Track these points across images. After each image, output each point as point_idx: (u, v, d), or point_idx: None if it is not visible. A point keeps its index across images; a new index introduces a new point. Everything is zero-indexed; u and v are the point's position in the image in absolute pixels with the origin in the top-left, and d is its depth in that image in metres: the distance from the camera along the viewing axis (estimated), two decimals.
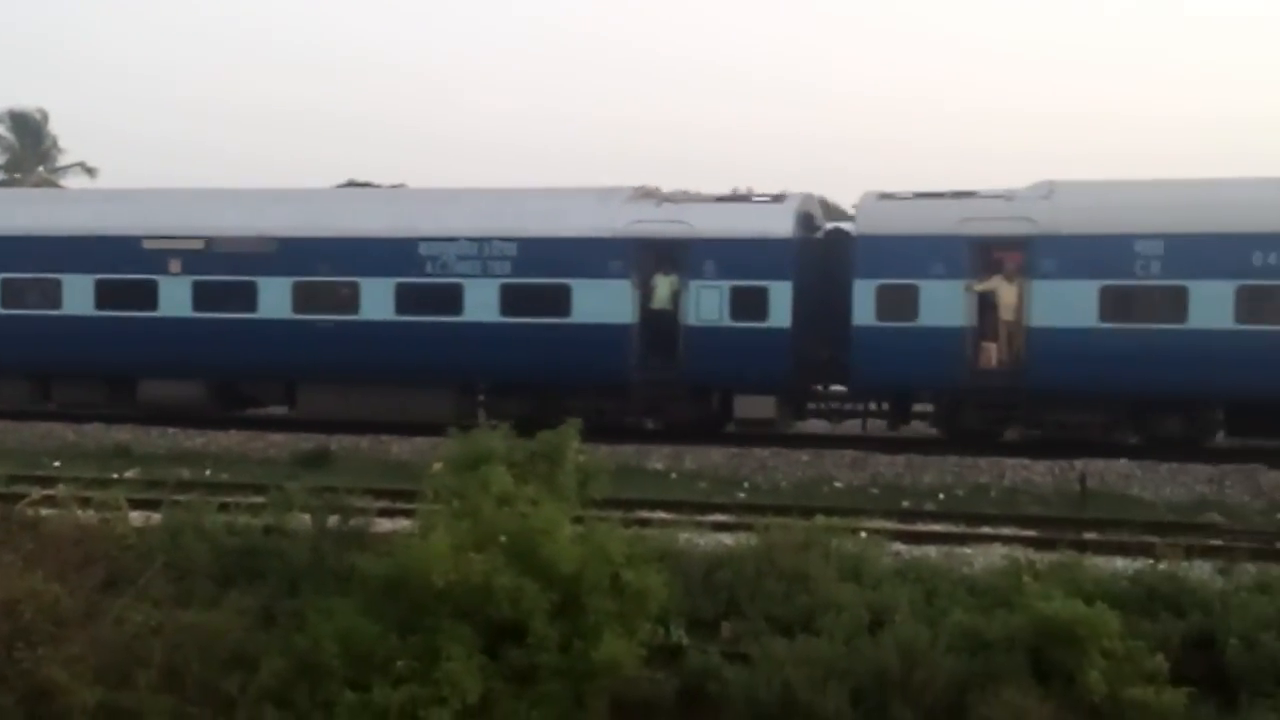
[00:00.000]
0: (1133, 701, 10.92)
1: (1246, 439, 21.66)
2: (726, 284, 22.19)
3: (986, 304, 21.72)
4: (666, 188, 24.41)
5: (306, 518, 14.63)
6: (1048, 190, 21.90)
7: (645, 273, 22.76)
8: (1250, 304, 20.45)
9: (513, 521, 11.97)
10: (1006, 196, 22.02)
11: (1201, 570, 13.54)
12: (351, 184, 48.44)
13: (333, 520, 14.39)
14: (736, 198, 24.04)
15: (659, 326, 22.66)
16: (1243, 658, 11.52)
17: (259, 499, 15.92)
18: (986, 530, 16.56)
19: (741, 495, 19.44)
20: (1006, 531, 16.41)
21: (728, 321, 22.17)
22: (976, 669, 11.46)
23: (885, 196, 22.80)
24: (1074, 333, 20.99)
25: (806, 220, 23.27)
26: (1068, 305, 21.05)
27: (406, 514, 14.76)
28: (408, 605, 11.78)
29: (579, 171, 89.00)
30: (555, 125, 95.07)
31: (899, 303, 21.62)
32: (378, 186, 46.41)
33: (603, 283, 22.59)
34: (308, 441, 22.67)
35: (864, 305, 21.72)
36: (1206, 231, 20.67)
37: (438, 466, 13.72)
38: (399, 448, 22.29)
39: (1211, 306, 20.50)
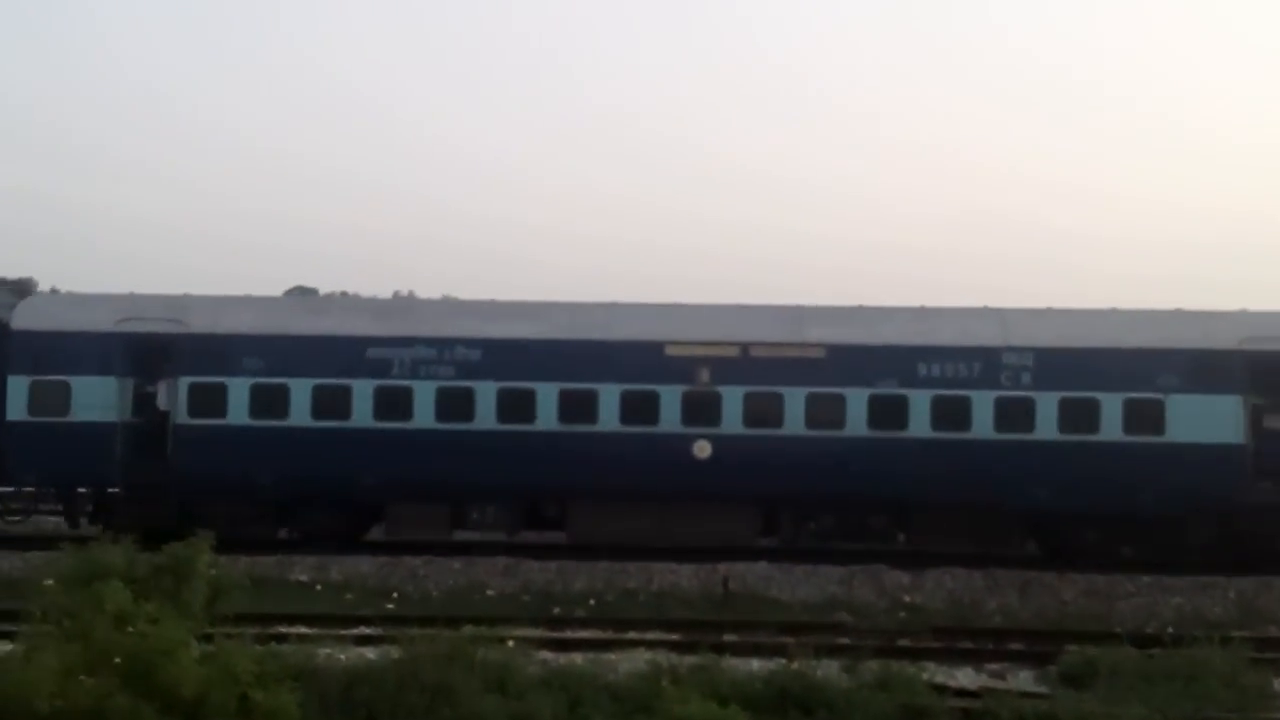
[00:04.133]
0: None
1: None
2: None
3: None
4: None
5: None
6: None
7: None
8: None
9: (130, 642, 11.07)
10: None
11: (829, 668, 14.15)
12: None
13: None
14: None
15: None
16: None
17: None
18: (633, 635, 16.82)
19: (390, 606, 18.92)
20: (652, 636, 16.71)
21: None
22: None
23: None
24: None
25: None
26: None
27: (11, 636, 13.39)
28: None
29: None
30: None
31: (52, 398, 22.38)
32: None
33: None
34: None
35: (18, 400, 22.46)
36: None
37: (48, 583, 12.56)
38: (8, 563, 20.39)
39: None
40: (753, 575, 20.70)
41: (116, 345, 22.62)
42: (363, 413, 22.43)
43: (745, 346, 22.64)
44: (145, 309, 23.34)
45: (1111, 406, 22.16)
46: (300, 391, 22.49)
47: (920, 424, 22.24)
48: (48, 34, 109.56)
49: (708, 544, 22.02)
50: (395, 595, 19.85)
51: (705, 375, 22.45)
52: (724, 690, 12.77)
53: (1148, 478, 21.90)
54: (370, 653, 14.56)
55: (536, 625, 17.11)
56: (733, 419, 22.34)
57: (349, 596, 19.60)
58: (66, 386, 22.46)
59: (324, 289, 39.77)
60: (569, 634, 16.98)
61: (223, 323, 23.07)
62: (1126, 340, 22.56)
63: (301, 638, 15.18)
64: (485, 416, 22.32)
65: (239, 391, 22.50)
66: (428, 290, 43.49)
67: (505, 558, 21.34)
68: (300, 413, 22.46)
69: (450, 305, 23.88)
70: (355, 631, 16.17)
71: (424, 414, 22.37)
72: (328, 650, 14.34)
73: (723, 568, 20.63)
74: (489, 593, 20.23)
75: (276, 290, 36.11)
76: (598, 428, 22.28)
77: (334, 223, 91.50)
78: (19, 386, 22.49)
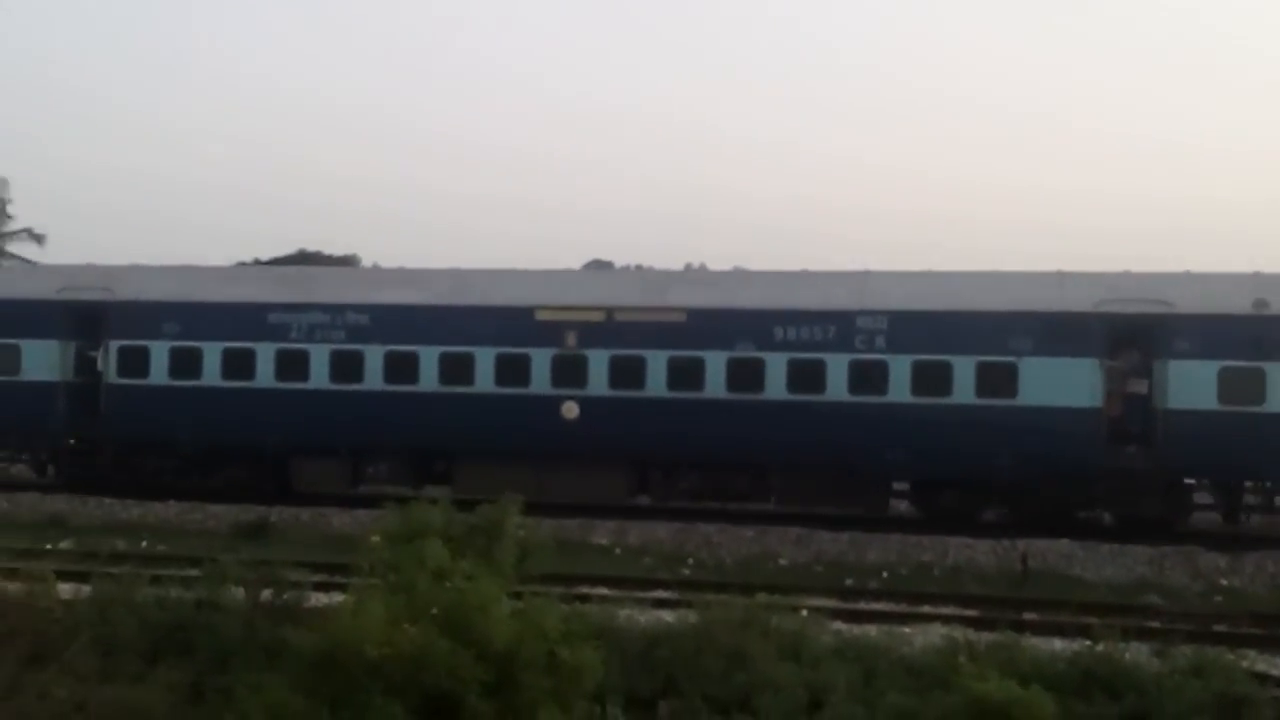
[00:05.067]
0: None
1: None
2: None
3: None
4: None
5: (240, 591, 14.37)
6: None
7: None
8: None
9: (448, 596, 11.79)
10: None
11: (1138, 652, 13.56)
12: (303, 253, 48.54)
13: (266, 594, 14.14)
14: None
15: None
16: None
17: (193, 572, 15.64)
18: (927, 609, 16.66)
19: (685, 571, 19.36)
20: (947, 611, 16.51)
21: None
22: None
23: None
24: None
25: None
26: None
27: (343, 588, 14.56)
28: (339, 680, 11.52)
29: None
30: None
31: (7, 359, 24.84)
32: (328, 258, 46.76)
33: None
34: (247, 513, 22.39)
35: None
36: None
37: (375, 539, 13.52)
38: (339, 520, 22.07)
39: None
40: (1054, 553, 20.04)
41: (58, 312, 25.00)
42: (265, 374, 24.10)
43: (610, 311, 23.15)
44: (83, 279, 25.67)
45: (964, 369, 21.66)
46: (211, 354, 24.34)
47: (776, 387, 22.36)
48: (355, 26, 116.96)
49: (584, 501, 22.27)
50: (690, 561, 20.32)
51: (572, 339, 22.98)
52: (1024, 669, 12.43)
53: (1001, 441, 21.38)
54: (668, 616, 14.96)
55: (829, 595, 17.17)
56: (598, 381, 22.92)
57: (647, 560, 20.20)
58: (18, 349, 24.97)
59: (619, 262, 40.79)
60: (862, 605, 16.95)
61: (146, 291, 25.09)
62: (980, 303, 22.03)
63: (603, 599, 15.74)
64: (374, 378, 23.59)
65: (160, 354, 24.51)
66: (716, 262, 43.93)
67: (798, 528, 21.46)
68: (212, 373, 24.33)
69: (343, 273, 25.31)
70: (653, 595, 16.65)
71: (319, 375, 23.87)
72: (627, 611, 14.86)
73: (1022, 544, 20.07)
74: (781, 562, 20.41)
75: (576, 262, 37.27)
76: (475, 389, 23.21)
77: (629, 205, 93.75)
78: None
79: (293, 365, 24.02)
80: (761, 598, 14.83)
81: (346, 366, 23.82)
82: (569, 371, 23.06)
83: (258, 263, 40.33)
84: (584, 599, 15.35)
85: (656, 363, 22.78)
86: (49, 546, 18.83)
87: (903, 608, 16.81)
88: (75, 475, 25.19)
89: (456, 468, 23.63)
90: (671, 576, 18.43)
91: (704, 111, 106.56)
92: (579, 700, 11.85)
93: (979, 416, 21.63)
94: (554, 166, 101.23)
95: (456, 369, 23.40)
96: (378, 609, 11.60)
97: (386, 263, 36.19)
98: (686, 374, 22.65)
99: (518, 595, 12.72)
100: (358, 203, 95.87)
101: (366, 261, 47.05)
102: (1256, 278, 21.86)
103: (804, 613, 14.95)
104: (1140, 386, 21.61)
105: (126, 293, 25.13)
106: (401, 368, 23.59)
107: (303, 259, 45.29)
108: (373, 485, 24.36)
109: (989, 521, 22.17)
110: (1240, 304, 21.28)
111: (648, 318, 23.07)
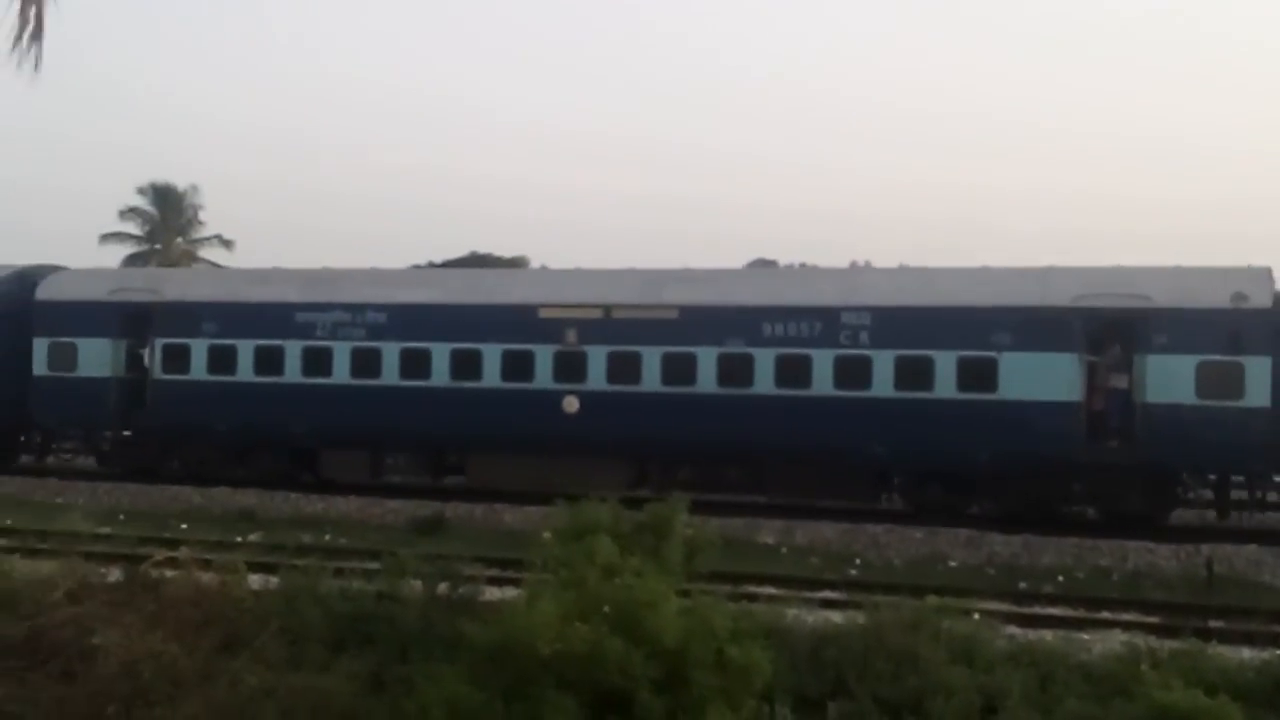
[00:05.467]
0: None
1: None
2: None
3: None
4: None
5: (418, 584, 14.84)
6: None
7: None
8: None
9: (617, 593, 11.95)
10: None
11: None
12: (474, 255, 49.64)
13: (443, 587, 14.57)
14: None
15: None
16: None
17: (374, 565, 16.22)
18: (1106, 615, 16.17)
19: (853, 572, 19.22)
20: (1127, 617, 16.01)
21: None
22: None
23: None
24: None
25: None
26: None
27: (515, 582, 14.89)
28: (513, 673, 11.80)
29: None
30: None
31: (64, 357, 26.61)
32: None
33: None
34: (424, 508, 23.09)
35: (40, 358, 26.84)
36: None
37: (547, 536, 13.80)
38: (511, 516, 22.56)
39: None
40: (1241, 558, 19.25)
41: (110, 312, 26.69)
42: (293, 369, 25.33)
43: (608, 309, 23.68)
44: (132, 281, 27.90)
45: (945, 364, 21.49)
46: (245, 351, 25.69)
47: (765, 381, 22.66)
48: (531, 37, 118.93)
49: (586, 492, 22.02)
50: (858, 561, 20.16)
51: (573, 336, 23.66)
52: (1210, 679, 12.00)
53: (982, 435, 21.49)
54: (836, 616, 14.87)
55: (1002, 599, 16.82)
56: (597, 376, 23.50)
57: (813, 560, 20.11)
58: (74, 347, 26.74)
59: (783, 260, 40.74)
60: (1037, 610, 16.55)
61: (187, 292, 26.86)
62: (960, 298, 22.19)
63: (770, 598, 15.72)
64: (390, 373, 24.41)
65: (199, 351, 26.02)
66: (884, 260, 43.40)
67: (968, 530, 21.09)
68: (245, 369, 25.65)
69: (362, 274, 26.37)
70: (821, 595, 16.56)
71: (341, 371, 25.00)
72: (795, 611, 14.81)
73: (1206, 549, 19.33)
74: (951, 564, 20.09)
75: (739, 261, 37.40)
76: (482, 384, 24.03)
77: (791, 204, 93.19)
78: (41, 347, 27.00)
79: (318, 361, 25.25)
80: (932, 600, 14.62)
81: (366, 362, 24.94)
82: (570, 367, 23.77)
83: (431, 265, 41.55)
84: (751, 598, 15.40)
85: (651, 359, 23.35)
86: (240, 539, 19.71)
87: (1080, 613, 16.32)
88: (128, 464, 27.09)
89: (469, 459, 24.86)
90: (839, 577, 18.31)
91: (870, 99, 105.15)
92: (748, 699, 11.88)
93: (960, 411, 21.70)
94: (721, 164, 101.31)
95: (466, 365, 24.32)
96: (550, 606, 11.82)
97: (554, 263, 36.96)
98: (680, 369, 23.14)
99: (686, 593, 12.83)
100: (529, 207, 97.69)
101: (535, 263, 48.01)
102: (1234, 271, 21.30)
103: (976, 616, 14.70)
104: (1121, 381, 21.30)
105: (170, 294, 26.86)
106: (416, 363, 24.60)
107: (474, 261, 46.45)
108: (392, 475, 25.77)
109: (975, 514, 22.22)
110: (1219, 298, 20.82)
111: (643, 315, 23.69)
